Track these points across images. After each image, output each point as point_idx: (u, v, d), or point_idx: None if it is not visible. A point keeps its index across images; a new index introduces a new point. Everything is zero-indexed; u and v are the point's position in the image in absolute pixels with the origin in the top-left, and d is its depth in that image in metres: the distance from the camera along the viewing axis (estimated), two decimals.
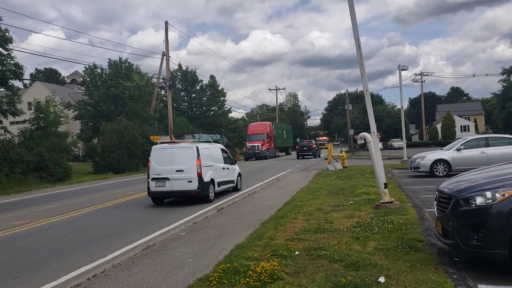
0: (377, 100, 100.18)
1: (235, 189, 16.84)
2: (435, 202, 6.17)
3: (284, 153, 56.71)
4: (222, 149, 16.72)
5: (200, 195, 13.83)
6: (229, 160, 16.90)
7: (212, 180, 14.37)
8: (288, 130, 61.81)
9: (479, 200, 5.24)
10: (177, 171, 13.81)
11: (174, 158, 13.99)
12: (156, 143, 15.21)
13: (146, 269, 6.50)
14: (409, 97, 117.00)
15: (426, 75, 68.98)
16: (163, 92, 44.15)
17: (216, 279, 5.41)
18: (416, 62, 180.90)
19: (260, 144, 46.50)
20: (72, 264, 7.18)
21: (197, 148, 14.06)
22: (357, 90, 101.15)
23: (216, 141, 17.95)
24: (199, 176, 13.73)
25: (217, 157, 15.66)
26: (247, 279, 5.32)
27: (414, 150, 37.03)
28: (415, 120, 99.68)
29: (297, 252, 6.52)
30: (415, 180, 17.04)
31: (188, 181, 13.70)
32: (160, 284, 5.73)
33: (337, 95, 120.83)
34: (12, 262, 7.60)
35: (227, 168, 16.35)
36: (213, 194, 14.41)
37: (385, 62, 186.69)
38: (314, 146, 47.40)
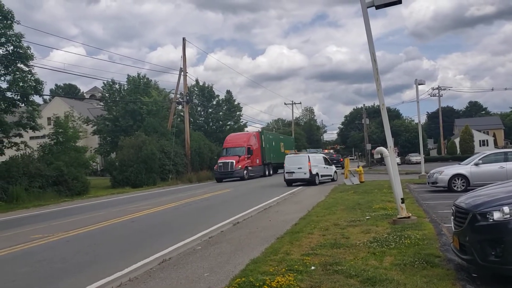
0: (394, 114, 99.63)
1: (333, 180, 27.87)
2: (452, 217, 6.12)
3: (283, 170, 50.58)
4: (323, 157, 29.19)
5: (310, 181, 25.78)
6: (328, 163, 28.83)
7: (317, 173, 26.35)
8: (289, 143, 52.20)
9: (496, 215, 5.18)
10: (298, 168, 25.96)
11: (296, 161, 26.32)
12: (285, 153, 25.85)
13: (162, 282, 6.55)
14: (427, 112, 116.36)
15: (444, 90, 68.52)
16: (180, 107, 44.64)
17: None
18: (434, 77, 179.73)
19: (234, 161, 35.43)
20: (89, 278, 7.22)
21: (308, 156, 26.74)
22: (374, 104, 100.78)
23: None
24: (310, 171, 25.70)
25: (319, 160, 27.64)
26: None
27: (432, 164, 36.59)
28: (433, 135, 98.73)
29: (313, 267, 6.50)
30: (433, 195, 16.84)
31: (304, 173, 25.80)
32: None
33: (354, 109, 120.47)
34: (30, 276, 7.70)
35: (326, 167, 28.31)
36: (318, 181, 26.28)
37: (402, 77, 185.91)
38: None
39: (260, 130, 51.15)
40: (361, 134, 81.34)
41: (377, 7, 10.06)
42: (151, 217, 15.07)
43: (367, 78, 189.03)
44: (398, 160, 63.81)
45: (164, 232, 11.65)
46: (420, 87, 25.84)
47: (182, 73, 37.83)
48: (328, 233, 9.19)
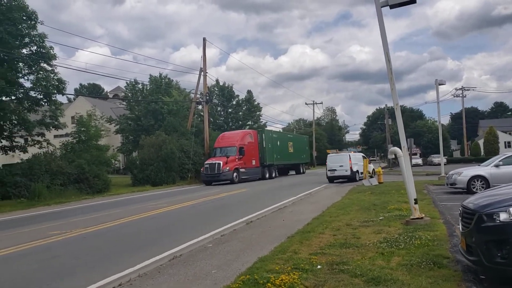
0: (417, 115, 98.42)
1: (371, 176, 27.42)
2: (460, 218, 6.06)
3: (294, 172, 45.38)
4: (362, 155, 30.87)
5: (351, 177, 27.62)
6: None
7: (357, 170, 28.25)
8: (300, 142, 47.90)
9: (503, 216, 5.11)
10: (340, 166, 27.87)
11: (338, 159, 28.29)
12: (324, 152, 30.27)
13: (170, 279, 6.65)
14: (451, 112, 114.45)
15: (468, 90, 67.18)
16: (200, 107, 44.92)
17: None
18: (458, 77, 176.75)
19: (222, 162, 31.83)
20: (101, 273, 7.34)
21: (349, 155, 28.99)
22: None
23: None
24: (351, 168, 27.62)
25: (359, 159, 29.32)
26: None
27: (454, 166, 35.99)
28: (456, 136, 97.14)
29: (319, 266, 6.51)
30: (451, 197, 16.60)
31: (345, 170, 27.69)
32: None
33: (376, 109, 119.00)
34: (44, 270, 7.89)
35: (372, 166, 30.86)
36: (358, 178, 27.86)
37: (426, 77, 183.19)
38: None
39: (261, 128, 47.30)
40: (383, 135, 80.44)
41: (391, 7, 9.98)
42: (168, 215, 15.24)
43: None
44: (420, 161, 63.28)
45: (179, 230, 11.79)
46: (443, 87, 25.73)
47: (202, 73, 38.03)
48: (339, 233, 9.18)
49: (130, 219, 14.32)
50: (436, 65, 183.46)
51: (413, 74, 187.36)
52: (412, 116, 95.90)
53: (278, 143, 39.88)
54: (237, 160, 32.96)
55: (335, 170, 28.21)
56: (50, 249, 9.82)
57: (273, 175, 37.97)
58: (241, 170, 33.13)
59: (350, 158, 28.18)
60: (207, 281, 6.35)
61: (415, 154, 66.29)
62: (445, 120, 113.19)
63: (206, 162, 33.15)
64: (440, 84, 25.13)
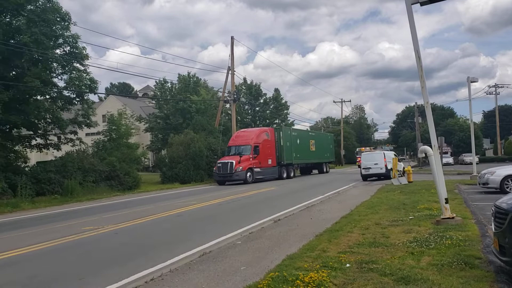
0: (448, 113, 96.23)
1: (402, 175, 26.24)
2: (492, 218, 5.97)
3: (317, 171, 43.97)
4: (394, 154, 30.08)
5: (385, 175, 27.30)
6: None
7: (391, 168, 26.29)
8: (323, 140, 45.93)
9: None
10: (374, 164, 28.46)
11: (373, 158, 29.18)
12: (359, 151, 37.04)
13: (201, 274, 6.77)
14: (483, 110, 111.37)
15: (501, 87, 65.45)
16: (228, 105, 45.18)
17: (264, 287, 5.55)
18: (492, 74, 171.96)
19: (234, 162, 30.66)
20: (134, 268, 7.50)
21: (383, 153, 30.11)
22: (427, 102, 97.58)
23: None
24: (385, 166, 27.87)
25: (391, 157, 27.73)
26: None
27: (487, 165, 35.15)
28: (489, 134, 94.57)
29: (348, 265, 6.52)
30: (484, 197, 16.25)
31: (380, 168, 28.14)
32: None
33: (406, 107, 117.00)
34: (79, 265, 8.12)
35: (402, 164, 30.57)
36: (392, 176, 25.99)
37: (457, 74, 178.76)
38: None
39: (279, 126, 45.13)
40: (413, 133, 79.18)
41: (422, 4, 9.85)
42: (196, 212, 15.44)
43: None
44: (451, 160, 61.99)
45: (208, 227, 11.92)
46: (476, 84, 25.29)
47: (230, 72, 38.26)
48: (368, 232, 9.14)
49: (160, 215, 14.57)
50: (468, 62, 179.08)
51: (444, 71, 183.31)
52: (443, 114, 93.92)
53: (298, 141, 38.19)
54: (251, 159, 31.66)
55: (370, 168, 28.84)
56: (83, 244, 10.10)
57: (292, 174, 36.47)
58: (255, 169, 31.85)
59: (384, 156, 28.86)
60: (236, 277, 6.45)
61: (446, 153, 64.99)
62: (478, 118, 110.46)
63: (218, 161, 32.17)
64: (472, 82, 24.59)
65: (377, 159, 28.90)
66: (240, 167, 30.57)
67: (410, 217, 10.86)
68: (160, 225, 12.79)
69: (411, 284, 5.42)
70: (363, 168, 29.31)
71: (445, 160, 52.07)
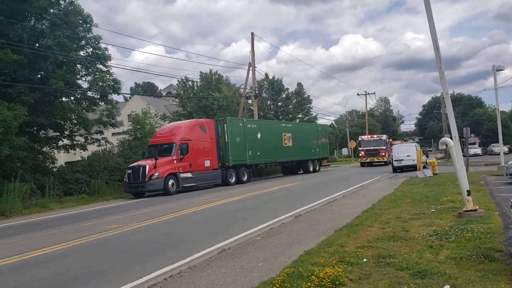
0: (476, 102, 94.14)
1: (425, 167, 25.23)
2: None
3: (301, 170, 36.68)
4: (417, 146, 31.46)
5: (415, 167, 26.41)
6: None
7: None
8: (305, 132, 37.46)
9: None
10: (407, 156, 28.96)
11: (405, 150, 29.89)
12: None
13: (218, 271, 6.85)
14: None
15: None
16: (250, 101, 45.27)
17: (279, 282, 5.59)
18: None
19: (148, 166, 22.78)
20: (154, 265, 7.63)
21: (415, 145, 30.70)
22: (453, 92, 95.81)
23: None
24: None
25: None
26: (309, 284, 5.43)
27: None
28: None
29: (364, 259, 6.50)
30: (510, 188, 15.88)
31: (412, 160, 27.92)
32: (228, 286, 6.03)
33: (432, 98, 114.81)
34: (102, 262, 8.31)
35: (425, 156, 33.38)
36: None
37: (486, 62, 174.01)
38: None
39: (221, 117, 35.10)
40: (440, 124, 77.74)
41: None
42: (219, 208, 15.57)
43: (447, 65, 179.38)
44: (479, 150, 60.64)
45: (227, 223, 12.01)
46: (506, 73, 24.83)
47: (251, 68, 38.30)
48: (388, 226, 9.08)
49: (182, 213, 14.75)
50: (497, 50, 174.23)
51: (472, 60, 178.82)
52: (471, 104, 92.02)
53: (259, 135, 30.51)
54: (175, 161, 23.85)
55: (402, 160, 29.36)
56: (107, 242, 10.32)
57: (244, 178, 28.65)
58: (183, 175, 24.00)
59: (416, 148, 29.15)
60: (253, 274, 6.50)
61: (474, 143, 63.68)
62: (507, 107, 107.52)
63: (129, 166, 24.39)
64: (498, 70, 24.03)
65: (409, 151, 29.32)
66: (157, 173, 22.68)
67: (432, 210, 10.72)
68: (183, 222, 12.95)
69: (427, 278, 5.37)
70: (395, 160, 29.91)
71: (472, 151, 51.03)
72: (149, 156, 24.43)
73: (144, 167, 22.85)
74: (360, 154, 41.86)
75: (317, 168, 37.75)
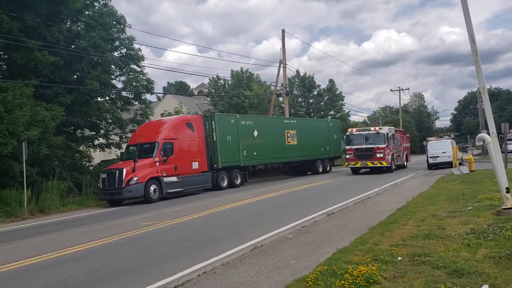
0: None
1: (461, 164, 24.39)
2: None
3: (310, 172, 32.53)
4: (452, 142, 30.13)
5: (451, 164, 26.42)
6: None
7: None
8: (314, 129, 33.89)
9: None
10: (442, 152, 28.62)
11: (440, 146, 29.21)
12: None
13: (251, 268, 6.88)
14: None
15: None
16: (280, 99, 45.20)
17: (312, 280, 5.57)
18: None
19: (125, 170, 19.61)
20: (188, 262, 7.72)
21: (451, 141, 29.25)
22: (491, 87, 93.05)
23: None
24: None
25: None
26: (342, 282, 5.40)
27: None
28: None
29: (399, 258, 6.41)
30: None
31: (448, 157, 27.64)
32: (261, 283, 6.05)
33: (468, 93, 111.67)
34: (137, 259, 8.47)
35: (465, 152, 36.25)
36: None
37: None
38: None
39: (210, 113, 30.93)
40: (476, 120, 75.63)
41: None
42: (251, 206, 15.63)
43: (484, 59, 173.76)
44: None
45: (260, 221, 12.05)
46: None
47: (281, 65, 38.21)
48: (423, 224, 8.92)
49: (214, 210, 14.87)
50: None
51: (510, 53, 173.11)
52: (509, 99, 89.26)
53: (256, 133, 26.94)
54: (157, 163, 20.61)
55: (438, 156, 29.03)
56: (143, 239, 10.51)
57: (238, 181, 25.40)
58: (167, 179, 20.84)
59: (452, 145, 28.44)
60: (286, 271, 6.50)
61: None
62: None
63: (103, 170, 21.75)
64: None
65: (445, 147, 28.72)
66: (136, 178, 19.58)
67: (469, 208, 10.47)
68: (215, 219, 13.06)
69: (464, 277, 5.25)
70: (431, 157, 29.44)
71: (511, 147, 49.38)
72: (128, 158, 21.19)
73: (121, 170, 19.75)
74: (347, 156, 29.48)
75: (328, 169, 33.83)
